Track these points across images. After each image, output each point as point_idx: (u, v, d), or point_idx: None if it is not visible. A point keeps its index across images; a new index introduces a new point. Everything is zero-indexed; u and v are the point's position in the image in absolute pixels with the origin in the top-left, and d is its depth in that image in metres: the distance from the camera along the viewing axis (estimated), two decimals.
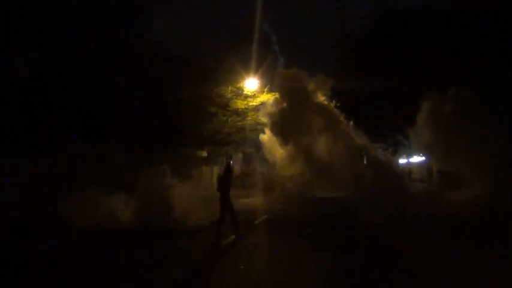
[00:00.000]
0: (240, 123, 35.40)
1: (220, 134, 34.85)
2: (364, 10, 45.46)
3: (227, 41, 32.80)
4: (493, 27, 26.45)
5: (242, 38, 33.84)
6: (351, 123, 29.09)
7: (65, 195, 17.69)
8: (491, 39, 26.32)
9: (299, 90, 30.67)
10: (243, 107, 34.53)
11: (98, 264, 11.54)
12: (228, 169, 15.56)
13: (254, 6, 32.67)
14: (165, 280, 9.91)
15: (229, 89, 33.73)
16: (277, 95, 31.59)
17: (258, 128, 34.21)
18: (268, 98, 33.16)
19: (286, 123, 30.50)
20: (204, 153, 36.44)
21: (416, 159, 51.32)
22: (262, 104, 33.63)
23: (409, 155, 51.97)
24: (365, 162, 29.39)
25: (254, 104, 34.50)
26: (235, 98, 34.22)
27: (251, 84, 34.06)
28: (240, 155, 47.90)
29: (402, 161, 52.92)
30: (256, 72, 33.61)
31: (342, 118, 29.81)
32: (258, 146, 36.13)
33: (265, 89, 33.53)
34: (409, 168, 46.31)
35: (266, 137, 31.21)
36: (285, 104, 31.00)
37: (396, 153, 43.98)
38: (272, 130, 31.30)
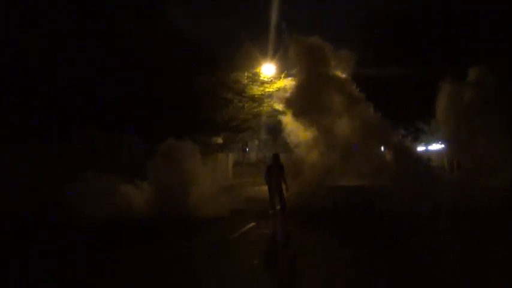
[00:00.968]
0: (256, 110, 34.52)
1: (236, 120, 34.10)
2: None
3: (243, 25, 31.95)
4: None
5: (259, 22, 32.91)
6: (371, 106, 28.22)
7: (77, 183, 16.91)
8: None
9: (319, 62, 29.70)
10: (259, 93, 33.66)
11: (109, 258, 10.94)
12: (277, 158, 17.01)
13: None
14: (175, 275, 9.22)
15: (246, 74, 33.00)
16: (294, 80, 30.76)
17: (274, 115, 33.43)
18: (285, 84, 32.29)
19: (304, 100, 29.51)
20: (220, 140, 35.80)
21: (435, 146, 50.36)
22: (279, 90, 32.85)
23: (427, 143, 50.95)
24: (382, 148, 28.65)
25: (271, 90, 33.46)
26: (252, 84, 33.45)
27: (268, 69, 33.25)
28: (256, 142, 47.16)
29: (420, 148, 51.77)
30: (273, 57, 32.73)
31: (363, 99, 28.91)
32: (276, 132, 35.59)
33: (283, 75, 32.66)
34: (428, 156, 45.33)
35: (286, 119, 30.44)
36: (301, 79, 30.09)
37: (417, 140, 43.04)
38: (288, 109, 30.51)
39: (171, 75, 27.30)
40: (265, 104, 34.26)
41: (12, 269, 9.79)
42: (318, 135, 29.36)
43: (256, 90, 33.61)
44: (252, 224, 14.59)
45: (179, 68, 27.80)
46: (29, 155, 18.60)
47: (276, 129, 36.17)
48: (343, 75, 28.94)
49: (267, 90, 33.71)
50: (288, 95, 30.04)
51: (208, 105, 30.96)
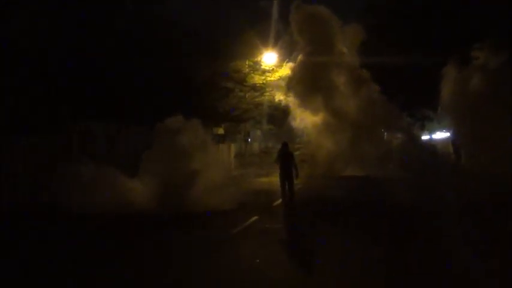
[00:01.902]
0: (257, 99, 33.92)
1: (237, 110, 33.34)
2: None
3: (243, 13, 31.07)
4: None
5: (260, 9, 32.07)
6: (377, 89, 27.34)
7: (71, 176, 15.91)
8: None
9: (323, 35, 28.73)
10: (261, 82, 33.03)
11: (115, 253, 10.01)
12: (286, 146, 16.58)
13: None
14: (171, 271, 8.37)
15: (246, 63, 32.36)
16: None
17: (276, 104, 32.82)
18: (287, 72, 31.49)
19: (307, 78, 28.56)
20: (221, 130, 34.95)
21: (439, 135, 49.52)
22: (281, 78, 32.12)
23: (431, 131, 50.03)
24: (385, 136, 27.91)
25: (272, 79, 32.86)
26: (253, 73, 32.79)
27: (269, 58, 32.62)
28: (259, 133, 46.32)
29: (425, 137, 50.82)
30: (274, 45, 31.95)
31: (369, 79, 27.95)
32: (279, 122, 34.87)
33: (284, 63, 31.80)
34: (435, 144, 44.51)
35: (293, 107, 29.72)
36: (304, 54, 29.13)
37: (423, 128, 42.17)
38: (290, 88, 29.72)
39: (170, 65, 26.48)
40: (267, 93, 33.51)
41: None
42: (325, 121, 28.61)
43: (258, 79, 32.92)
44: (255, 217, 13.67)
45: (178, 58, 27.04)
46: (21, 146, 17.55)
47: (278, 118, 35.40)
48: (349, 52, 28.09)
49: (268, 79, 33.01)
50: (290, 74, 29.28)
51: (209, 95, 30.05)
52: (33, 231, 12.45)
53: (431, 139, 51.06)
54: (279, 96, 31.69)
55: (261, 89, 33.39)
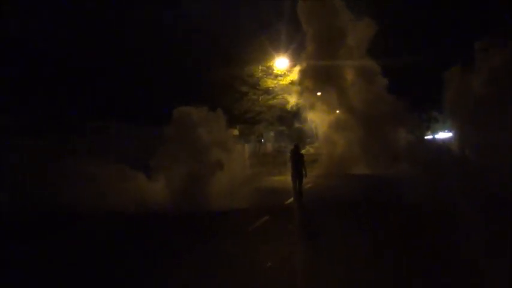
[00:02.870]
0: (270, 102, 32.77)
1: (251, 112, 32.12)
2: None
3: (258, 20, 29.77)
4: None
5: (273, 16, 30.73)
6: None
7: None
8: None
9: (332, 25, 26.66)
10: (273, 85, 32.07)
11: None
12: (297, 148, 16.07)
13: None
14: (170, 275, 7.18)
15: (260, 68, 31.64)
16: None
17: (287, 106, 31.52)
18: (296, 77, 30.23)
19: (315, 69, 27.02)
20: (236, 132, 33.56)
21: (442, 135, 47.62)
22: (292, 82, 30.79)
23: (435, 132, 48.22)
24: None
25: (284, 83, 31.89)
26: (266, 77, 31.97)
27: (281, 63, 31.40)
28: (272, 134, 45.04)
29: (428, 137, 48.94)
30: (286, 51, 30.38)
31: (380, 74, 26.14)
32: (291, 123, 33.81)
33: (296, 68, 30.22)
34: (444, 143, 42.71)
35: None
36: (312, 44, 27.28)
37: (429, 129, 40.31)
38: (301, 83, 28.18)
39: (188, 70, 25.35)
40: (279, 97, 32.28)
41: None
42: (335, 119, 27.11)
43: (270, 83, 31.98)
44: (267, 217, 11.91)
45: (197, 62, 26.08)
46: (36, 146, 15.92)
47: (290, 120, 34.19)
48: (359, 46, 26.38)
49: (280, 82, 31.97)
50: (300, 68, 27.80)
51: (225, 97, 28.68)
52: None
53: (434, 139, 49.21)
54: (291, 99, 30.54)
55: (273, 92, 32.30)
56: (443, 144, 38.23)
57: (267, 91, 32.08)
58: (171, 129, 15.72)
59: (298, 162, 15.41)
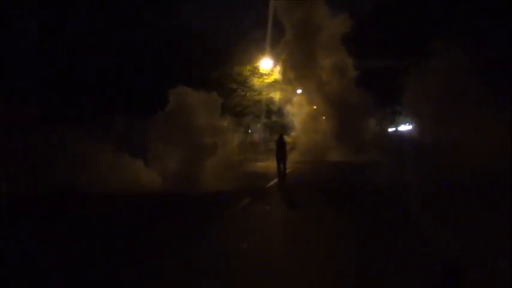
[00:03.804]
0: (256, 98, 33.20)
1: (239, 106, 32.66)
2: None
3: (244, 22, 30.22)
4: None
5: (259, 19, 31.07)
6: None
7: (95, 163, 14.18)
8: None
9: (308, 18, 26.83)
10: (259, 83, 32.50)
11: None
12: (281, 137, 17.35)
13: None
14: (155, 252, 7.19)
15: (247, 68, 32.01)
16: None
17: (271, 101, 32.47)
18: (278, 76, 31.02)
19: (291, 59, 27.33)
20: (225, 123, 34.00)
21: (404, 127, 48.49)
22: (275, 81, 31.44)
23: (397, 124, 48.90)
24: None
25: (268, 81, 32.36)
26: (252, 76, 32.39)
27: (266, 63, 31.83)
28: (259, 125, 45.48)
29: (391, 129, 49.61)
30: (270, 53, 30.89)
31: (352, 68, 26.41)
32: (275, 116, 34.36)
33: (278, 64, 30.73)
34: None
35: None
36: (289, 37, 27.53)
37: (394, 122, 41.06)
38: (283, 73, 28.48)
39: (187, 69, 25.67)
40: (264, 93, 32.90)
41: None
42: (310, 111, 27.55)
43: (257, 81, 32.43)
44: (248, 199, 12.34)
45: (190, 61, 26.39)
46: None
47: (273, 113, 34.80)
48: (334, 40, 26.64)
49: (265, 81, 32.44)
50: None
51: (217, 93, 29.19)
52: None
53: (397, 131, 50.02)
54: (274, 95, 31.68)
55: (259, 89, 32.71)
56: (405, 135, 39.12)
57: (253, 88, 32.55)
58: (166, 111, 15.37)
59: (282, 149, 16.63)
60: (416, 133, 29.83)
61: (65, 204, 12.25)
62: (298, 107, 29.06)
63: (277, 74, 30.77)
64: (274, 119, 35.28)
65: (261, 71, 32.30)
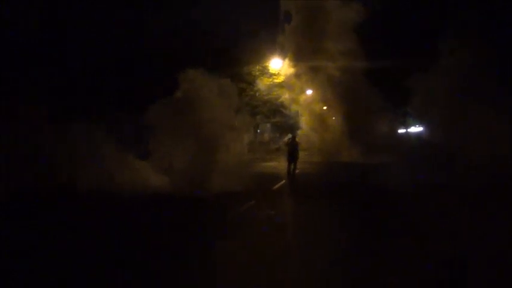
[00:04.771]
0: (266, 97, 32.33)
1: (249, 106, 31.51)
2: None
3: (254, 23, 29.14)
4: None
5: (269, 20, 30.13)
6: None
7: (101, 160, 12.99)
8: None
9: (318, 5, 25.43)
10: (268, 83, 31.52)
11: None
12: (294, 138, 16.99)
13: None
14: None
15: (257, 68, 31.17)
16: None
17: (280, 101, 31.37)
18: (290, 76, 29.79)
19: (300, 52, 26.03)
20: (230, 128, 33.03)
21: (414, 129, 46.80)
22: (284, 81, 30.30)
23: (408, 126, 47.12)
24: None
25: (278, 81, 31.29)
26: (262, 76, 31.43)
27: (275, 63, 30.66)
28: (268, 125, 44.41)
29: (401, 130, 47.75)
30: (280, 52, 29.72)
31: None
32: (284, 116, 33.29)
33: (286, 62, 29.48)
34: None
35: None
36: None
37: (405, 123, 39.34)
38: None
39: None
40: (274, 93, 31.92)
41: None
42: (319, 112, 26.29)
43: (266, 80, 31.43)
44: (253, 202, 10.82)
45: (200, 60, 25.37)
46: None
47: (282, 113, 33.70)
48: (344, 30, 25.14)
49: (275, 80, 31.42)
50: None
51: None
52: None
53: (407, 133, 48.30)
54: (283, 95, 30.50)
55: (268, 89, 31.73)
56: (416, 137, 37.68)
57: (263, 88, 31.53)
58: (175, 98, 13.50)
59: (294, 149, 16.18)
60: (427, 135, 28.34)
61: (66, 203, 11.20)
62: (307, 106, 27.73)
63: (286, 68, 29.35)
64: (282, 118, 34.10)
65: (270, 70, 31.29)
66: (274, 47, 29.47)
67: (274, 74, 31.31)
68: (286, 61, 28.70)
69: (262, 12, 33.29)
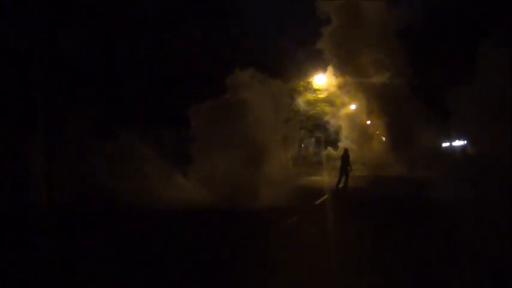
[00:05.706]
0: (310, 113, 31.74)
1: (293, 121, 31.22)
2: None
3: (299, 40, 28.97)
4: None
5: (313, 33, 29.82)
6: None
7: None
8: None
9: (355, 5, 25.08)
10: (313, 98, 31.10)
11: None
12: (346, 152, 17.13)
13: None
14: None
15: (301, 83, 30.80)
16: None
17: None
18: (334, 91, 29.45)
19: (341, 62, 25.39)
20: (278, 137, 32.77)
21: (458, 143, 44.87)
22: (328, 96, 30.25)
23: (451, 139, 45.21)
24: None
25: (322, 96, 30.99)
26: (306, 91, 31.06)
27: (319, 79, 30.65)
28: (313, 140, 43.98)
29: (445, 144, 45.76)
30: (325, 68, 29.50)
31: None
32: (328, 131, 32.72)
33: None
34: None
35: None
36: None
37: (450, 136, 37.61)
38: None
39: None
40: (318, 108, 31.47)
41: None
42: (364, 126, 25.55)
43: (310, 96, 31.12)
44: (295, 218, 10.47)
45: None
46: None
47: (326, 128, 33.15)
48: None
49: (319, 96, 31.14)
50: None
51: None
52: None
53: (451, 146, 46.38)
54: (327, 110, 30.13)
55: (312, 104, 31.26)
56: (460, 150, 36.00)
57: (307, 103, 31.07)
58: (223, 98, 12.73)
59: (346, 163, 16.53)
60: (471, 148, 27.00)
61: (105, 216, 11.25)
62: (351, 120, 27.18)
63: (329, 83, 28.88)
64: (325, 132, 33.55)
65: (314, 86, 31.01)
66: (317, 62, 29.36)
67: (318, 90, 31.03)
68: (329, 75, 28.30)
69: (304, 26, 33.13)
